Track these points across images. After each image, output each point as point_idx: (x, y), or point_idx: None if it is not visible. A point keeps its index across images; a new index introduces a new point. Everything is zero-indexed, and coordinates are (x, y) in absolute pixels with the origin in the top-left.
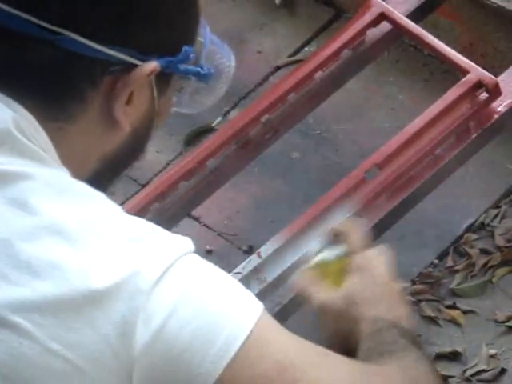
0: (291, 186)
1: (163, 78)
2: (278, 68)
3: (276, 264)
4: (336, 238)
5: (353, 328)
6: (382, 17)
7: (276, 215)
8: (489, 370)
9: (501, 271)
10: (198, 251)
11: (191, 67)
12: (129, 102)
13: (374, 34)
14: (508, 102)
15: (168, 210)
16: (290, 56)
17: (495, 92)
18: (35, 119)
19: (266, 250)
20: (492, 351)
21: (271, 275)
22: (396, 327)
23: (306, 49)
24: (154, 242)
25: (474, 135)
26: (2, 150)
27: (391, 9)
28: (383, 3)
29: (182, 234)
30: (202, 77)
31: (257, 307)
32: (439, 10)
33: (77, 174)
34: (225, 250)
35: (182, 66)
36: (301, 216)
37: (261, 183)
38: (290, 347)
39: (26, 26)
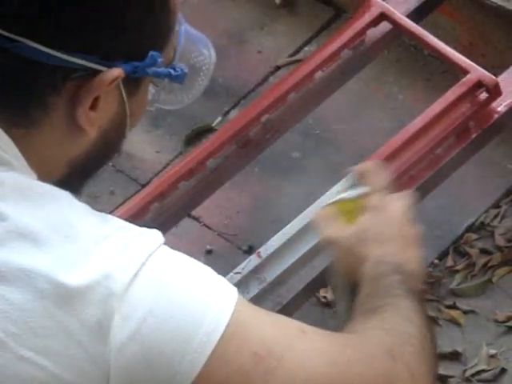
0: (291, 186)
1: (133, 81)
2: (278, 68)
3: (276, 264)
4: (359, 179)
5: (358, 266)
6: (382, 17)
7: (276, 215)
8: (489, 370)
9: (501, 271)
10: (197, 251)
11: (162, 69)
12: (94, 107)
13: (374, 33)
14: (508, 102)
15: (168, 210)
16: (290, 56)
17: (495, 92)
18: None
19: (265, 249)
20: (492, 351)
21: (271, 275)
22: (398, 273)
23: (306, 49)
24: (123, 239)
25: (473, 135)
26: None
27: (391, 9)
28: (383, 3)
29: (181, 234)
30: (174, 78)
31: (231, 297)
32: (439, 9)
33: (46, 178)
34: (225, 250)
35: (151, 70)
36: (301, 216)
37: (261, 183)
38: (267, 333)
39: None
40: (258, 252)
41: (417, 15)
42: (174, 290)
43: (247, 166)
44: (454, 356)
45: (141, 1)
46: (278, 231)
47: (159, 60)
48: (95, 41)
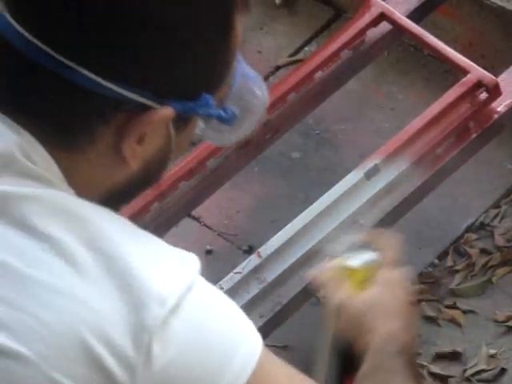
0: (291, 186)
1: (182, 118)
2: (278, 68)
3: (276, 264)
4: (367, 243)
5: (362, 336)
6: (382, 17)
7: (276, 215)
8: (489, 370)
9: (501, 271)
10: (198, 251)
11: (213, 110)
12: (140, 141)
13: (374, 33)
14: (508, 102)
15: (168, 210)
16: (290, 56)
17: (495, 92)
18: (42, 147)
19: (265, 249)
20: (492, 351)
21: (271, 275)
22: (404, 353)
23: (306, 49)
24: (161, 263)
25: (473, 135)
26: (5, 173)
27: (391, 9)
28: (383, 3)
29: (181, 234)
30: (223, 120)
31: (257, 347)
32: (439, 9)
33: (84, 199)
34: (225, 250)
35: (202, 110)
36: (301, 216)
37: (261, 183)
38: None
39: (40, 55)
40: (258, 252)
41: (417, 15)
42: (206, 334)
43: (247, 166)
44: (454, 356)
45: (200, 40)
46: (278, 231)
47: (212, 103)
48: (149, 77)
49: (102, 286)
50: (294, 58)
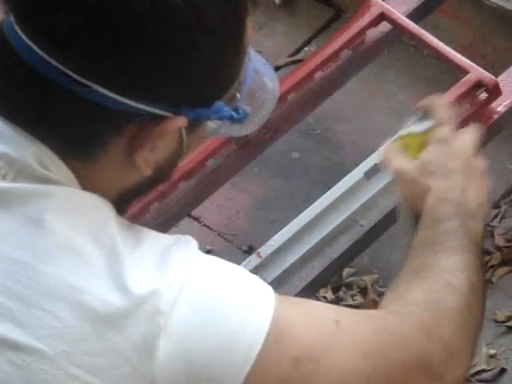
0: (291, 186)
1: (193, 123)
2: (277, 68)
3: (276, 264)
4: (426, 112)
5: (420, 197)
6: (382, 17)
7: (276, 215)
8: (489, 370)
9: (501, 271)
10: None
11: (225, 113)
12: (153, 149)
13: (373, 34)
14: (508, 101)
15: (168, 210)
16: (290, 56)
17: (495, 92)
18: (58, 157)
19: (265, 250)
20: (492, 351)
21: (271, 275)
22: (458, 215)
23: (306, 49)
24: (160, 252)
25: None
26: (20, 177)
27: (391, 9)
28: (383, 3)
29: (181, 234)
30: (236, 120)
31: (269, 301)
32: (439, 9)
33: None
34: (225, 250)
35: (215, 115)
36: (301, 216)
37: (261, 183)
38: (304, 336)
39: (54, 74)
40: (258, 252)
41: (417, 15)
42: (216, 304)
43: (247, 166)
44: None
45: (215, 50)
46: (278, 231)
47: (224, 108)
48: (162, 89)
49: (111, 280)
50: (293, 58)
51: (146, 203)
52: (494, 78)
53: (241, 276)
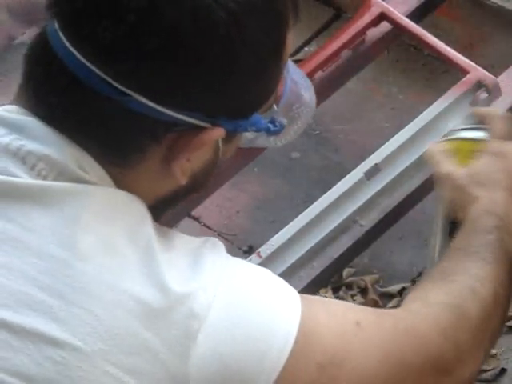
0: (291, 186)
1: (231, 133)
2: None
3: (276, 264)
4: (480, 121)
5: (465, 206)
6: (382, 17)
7: (276, 215)
8: (489, 370)
9: None
10: None
11: (262, 125)
12: (189, 159)
13: (373, 34)
14: (508, 101)
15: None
16: (290, 56)
17: (495, 92)
18: (96, 162)
19: (265, 250)
20: (492, 351)
21: None
22: (499, 231)
23: (306, 49)
24: (192, 254)
25: None
26: (61, 178)
27: (391, 9)
28: (383, 3)
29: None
30: (272, 132)
31: (296, 306)
32: (439, 10)
33: None
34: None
35: (252, 127)
36: (301, 216)
37: (261, 183)
38: (327, 340)
39: (95, 81)
40: (258, 252)
41: (417, 15)
42: (249, 309)
43: (247, 166)
44: None
45: (256, 63)
46: (278, 231)
47: (262, 121)
48: (201, 100)
49: (147, 280)
50: (293, 58)
51: None
52: (494, 77)
53: (269, 280)
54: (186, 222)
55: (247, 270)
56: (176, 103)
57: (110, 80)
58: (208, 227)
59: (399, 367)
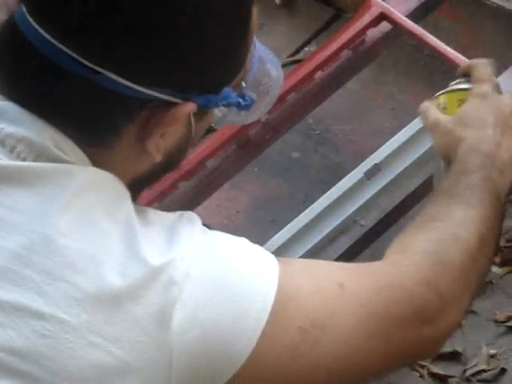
0: (291, 186)
1: (202, 109)
2: None
3: None
4: (468, 72)
5: (454, 147)
6: (382, 17)
7: (276, 215)
8: (489, 370)
9: (501, 271)
10: None
11: (232, 99)
12: (163, 135)
13: (373, 34)
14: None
15: (168, 210)
16: (290, 56)
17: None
18: (74, 143)
19: (265, 250)
20: (492, 351)
21: None
22: (486, 168)
23: (306, 49)
24: (167, 225)
25: None
26: (40, 160)
27: (391, 9)
28: (383, 3)
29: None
30: (242, 107)
31: (273, 269)
32: (439, 10)
33: None
34: None
35: (223, 101)
36: (301, 216)
37: (261, 183)
38: (308, 303)
39: (66, 61)
40: None
41: (417, 15)
42: (226, 274)
43: (247, 166)
44: (454, 356)
45: (224, 37)
46: (278, 231)
47: (232, 94)
48: (172, 75)
49: (128, 254)
50: (294, 58)
51: (146, 203)
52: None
53: (245, 246)
54: None
55: (223, 238)
56: (147, 79)
57: (80, 58)
58: (208, 227)
59: (383, 322)
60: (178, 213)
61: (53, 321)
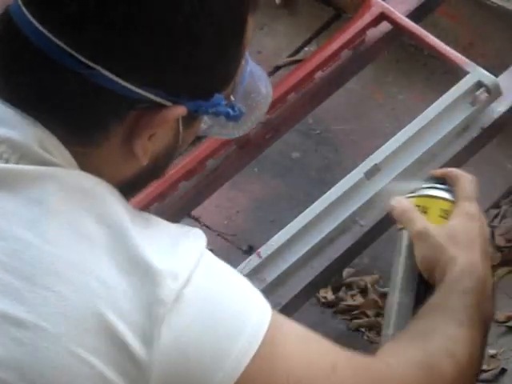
0: (291, 186)
1: (191, 115)
2: (277, 68)
3: (276, 264)
4: (445, 180)
5: (441, 265)
6: (382, 17)
7: (276, 215)
8: (489, 370)
9: (501, 271)
10: None
11: (222, 108)
12: (151, 137)
13: (373, 34)
14: (508, 101)
15: (168, 210)
16: (290, 56)
17: (495, 92)
18: (60, 142)
19: (265, 250)
20: (492, 351)
21: (271, 275)
22: (477, 293)
23: (306, 49)
24: (172, 239)
25: (474, 135)
26: (23, 161)
27: (391, 9)
28: (383, 3)
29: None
30: (231, 118)
31: (265, 318)
32: (439, 10)
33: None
34: (225, 249)
35: (213, 109)
36: (301, 216)
37: (261, 183)
38: (294, 368)
39: (60, 55)
40: (258, 252)
41: (417, 15)
42: (216, 304)
43: (247, 166)
44: None
45: (218, 44)
46: (278, 231)
47: (223, 102)
48: (165, 77)
49: (115, 261)
50: (293, 58)
51: (146, 203)
52: (494, 77)
53: (244, 285)
54: (185, 221)
55: (224, 269)
56: (139, 79)
57: (73, 52)
58: (208, 227)
59: None
60: (186, 227)
61: (33, 329)
